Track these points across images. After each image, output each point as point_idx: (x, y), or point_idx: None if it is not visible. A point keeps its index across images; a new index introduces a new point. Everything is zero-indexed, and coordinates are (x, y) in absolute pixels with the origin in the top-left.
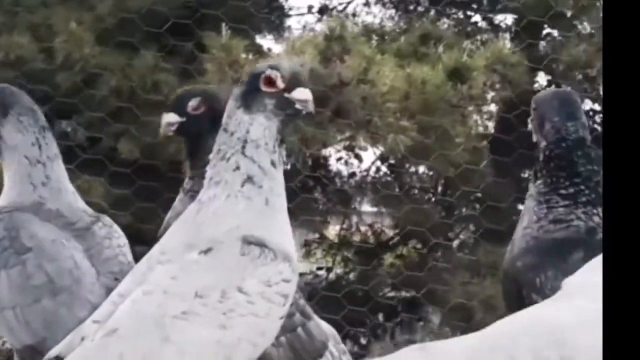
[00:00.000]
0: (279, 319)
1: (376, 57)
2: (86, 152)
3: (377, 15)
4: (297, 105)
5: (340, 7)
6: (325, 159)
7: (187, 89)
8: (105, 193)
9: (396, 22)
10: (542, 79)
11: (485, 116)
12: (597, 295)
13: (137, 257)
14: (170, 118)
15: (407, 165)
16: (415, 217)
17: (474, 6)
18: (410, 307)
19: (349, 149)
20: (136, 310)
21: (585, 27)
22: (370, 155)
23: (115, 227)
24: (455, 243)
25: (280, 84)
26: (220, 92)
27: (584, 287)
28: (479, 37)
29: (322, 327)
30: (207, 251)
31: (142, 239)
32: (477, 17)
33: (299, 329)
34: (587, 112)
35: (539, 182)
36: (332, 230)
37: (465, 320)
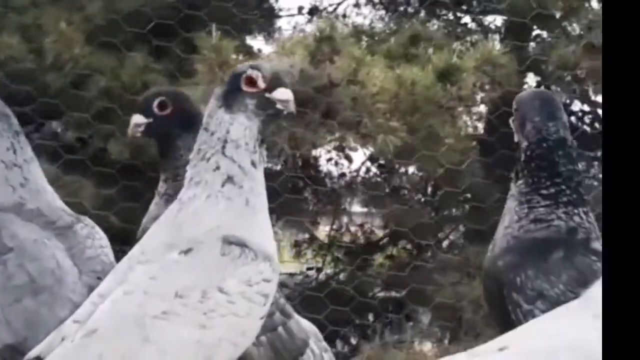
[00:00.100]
0: (260, 319)
1: (366, 58)
2: (76, 152)
3: (367, 17)
4: (278, 105)
5: (330, 8)
6: (316, 159)
7: (154, 89)
8: (95, 194)
9: (386, 23)
10: (531, 80)
11: (474, 117)
12: None
13: None
14: (137, 119)
15: (397, 166)
16: (405, 217)
17: (464, 7)
18: (399, 307)
19: (339, 149)
20: (116, 310)
21: (575, 28)
22: (360, 155)
23: (97, 228)
24: (445, 243)
25: (261, 84)
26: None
27: None
28: (468, 39)
29: (303, 325)
30: (187, 251)
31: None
32: (467, 19)
33: (280, 328)
34: (576, 113)
35: (520, 182)
36: (322, 231)
37: (454, 321)
